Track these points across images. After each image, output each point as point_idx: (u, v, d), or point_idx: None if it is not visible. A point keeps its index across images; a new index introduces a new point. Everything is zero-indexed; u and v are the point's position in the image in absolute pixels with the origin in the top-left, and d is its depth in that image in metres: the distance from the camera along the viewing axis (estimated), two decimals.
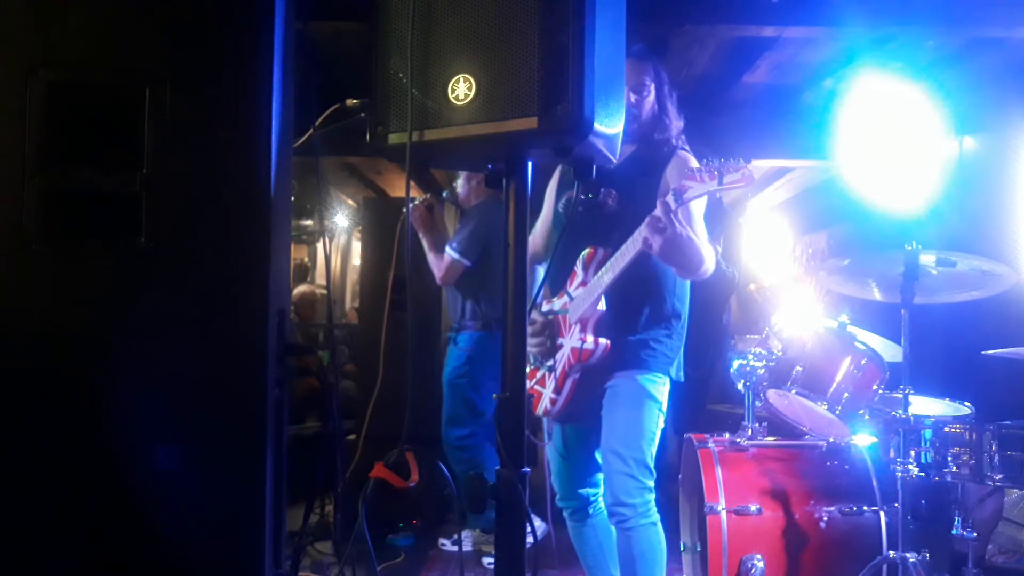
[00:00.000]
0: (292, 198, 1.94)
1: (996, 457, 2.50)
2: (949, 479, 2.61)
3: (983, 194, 4.18)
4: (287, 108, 1.71)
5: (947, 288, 2.72)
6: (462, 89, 1.56)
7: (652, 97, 2.56)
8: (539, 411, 2.57)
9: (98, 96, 1.63)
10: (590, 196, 2.44)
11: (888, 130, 4.14)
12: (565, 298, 2.52)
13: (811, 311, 3.97)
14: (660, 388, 2.49)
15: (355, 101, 2.01)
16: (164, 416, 1.59)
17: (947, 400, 2.94)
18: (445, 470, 2.13)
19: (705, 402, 4.91)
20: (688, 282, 2.57)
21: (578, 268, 2.49)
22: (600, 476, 2.56)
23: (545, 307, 2.58)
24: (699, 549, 3.00)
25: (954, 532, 2.61)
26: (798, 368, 2.82)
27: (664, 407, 2.50)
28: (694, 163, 2.47)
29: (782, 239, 6.70)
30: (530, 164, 1.66)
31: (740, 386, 3.08)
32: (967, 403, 2.89)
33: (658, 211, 2.21)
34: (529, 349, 2.55)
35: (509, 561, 1.59)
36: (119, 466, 1.58)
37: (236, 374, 1.61)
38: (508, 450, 1.60)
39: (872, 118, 4.15)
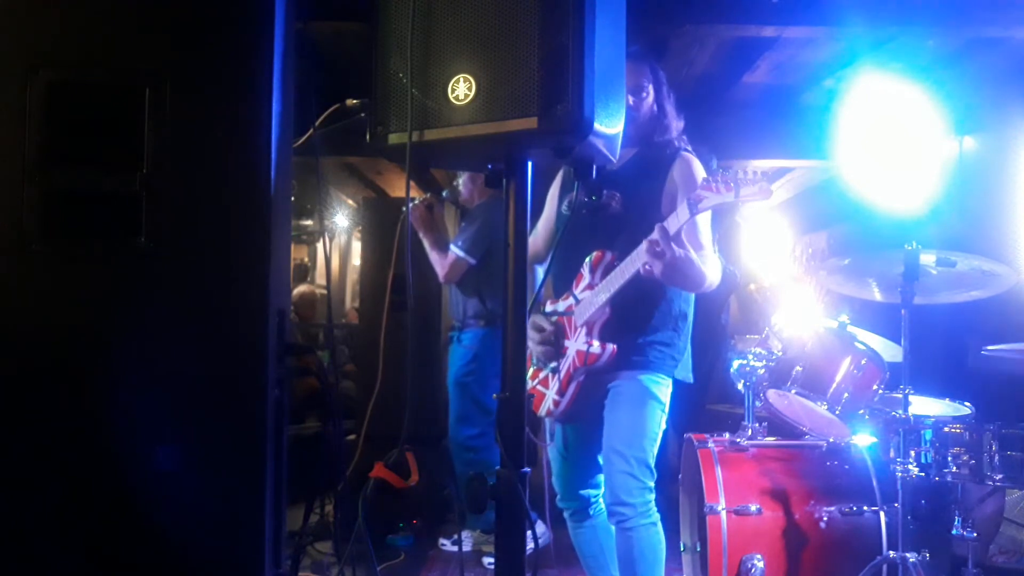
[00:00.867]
0: (292, 198, 1.94)
1: (996, 457, 2.50)
2: (949, 479, 2.61)
3: (983, 194, 4.18)
4: (287, 108, 1.71)
5: (947, 288, 2.72)
6: (462, 89, 1.56)
7: (651, 99, 2.55)
8: (541, 412, 2.57)
9: (98, 96, 1.62)
10: (593, 198, 2.44)
11: (888, 130, 4.14)
12: (570, 300, 2.51)
13: (811, 311, 3.97)
14: (663, 389, 2.49)
15: (355, 101, 2.01)
16: (164, 416, 1.59)
17: (947, 400, 2.94)
18: (456, 471, 2.12)
19: (705, 402, 4.92)
20: None
21: (585, 270, 2.49)
22: (601, 477, 2.56)
23: (549, 307, 2.58)
24: (699, 549, 3.00)
25: (954, 532, 2.61)
26: (798, 368, 2.82)
27: (666, 408, 2.50)
28: (700, 168, 2.47)
29: (782, 239, 6.70)
30: (530, 164, 1.66)
31: (740, 386, 3.08)
32: (967, 403, 2.89)
33: (656, 235, 2.19)
34: (534, 350, 2.55)
35: (509, 561, 1.59)
36: (119, 466, 1.58)
37: (236, 374, 1.61)
38: (508, 450, 1.60)
39: (872, 118, 4.16)
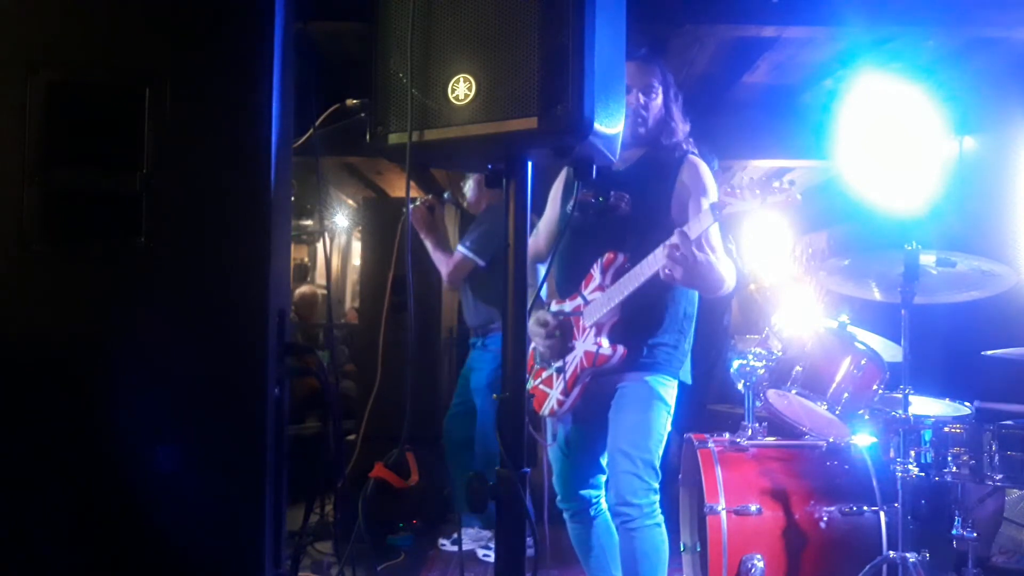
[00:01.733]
0: (292, 198, 1.94)
1: (996, 457, 2.51)
2: (949, 479, 2.61)
3: (983, 194, 4.18)
4: (287, 108, 1.71)
5: (947, 288, 2.72)
6: (462, 89, 1.56)
7: (659, 100, 2.56)
8: (544, 411, 2.56)
9: (98, 96, 1.62)
10: (601, 199, 2.44)
11: (888, 130, 4.15)
12: (579, 300, 2.51)
13: (811, 311, 3.97)
14: (669, 390, 2.49)
15: (355, 101, 2.00)
16: (164, 416, 1.59)
17: (947, 400, 2.94)
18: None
19: (705, 402, 4.92)
20: None
21: (595, 271, 2.48)
22: (602, 478, 2.56)
23: (555, 307, 2.57)
24: (699, 549, 3.00)
25: (954, 532, 2.61)
26: (798, 368, 2.82)
27: (672, 410, 2.50)
28: (708, 173, 2.48)
29: (782, 239, 6.70)
30: (530, 164, 1.66)
31: (740, 386, 3.08)
32: (967, 403, 2.89)
33: (676, 239, 2.18)
34: (539, 346, 2.54)
35: (509, 561, 1.59)
36: (119, 466, 1.58)
37: (236, 374, 1.61)
38: (508, 450, 1.60)
39: (872, 118, 4.16)
